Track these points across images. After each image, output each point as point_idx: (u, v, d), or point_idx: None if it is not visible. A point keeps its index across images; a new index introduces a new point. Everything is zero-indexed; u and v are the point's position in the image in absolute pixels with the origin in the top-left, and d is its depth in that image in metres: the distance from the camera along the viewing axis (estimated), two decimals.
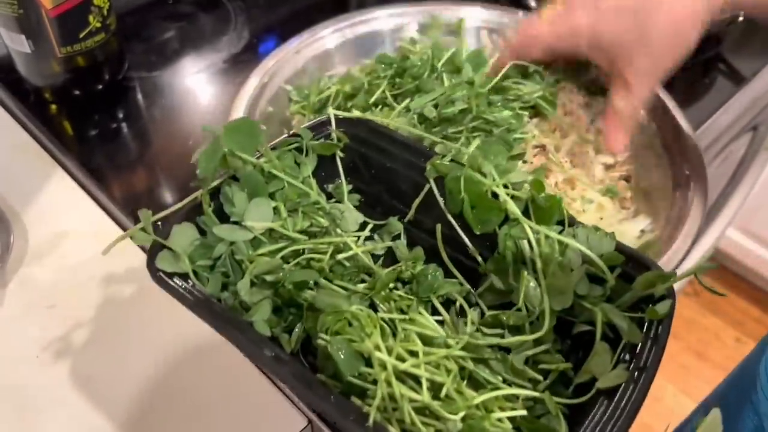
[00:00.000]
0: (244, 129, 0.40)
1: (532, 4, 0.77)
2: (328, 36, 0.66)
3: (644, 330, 0.37)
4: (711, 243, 0.53)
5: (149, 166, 0.60)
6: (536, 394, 0.37)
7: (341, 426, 0.33)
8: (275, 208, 0.43)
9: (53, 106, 0.63)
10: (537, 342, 0.39)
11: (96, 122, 0.63)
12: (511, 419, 0.36)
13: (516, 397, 0.37)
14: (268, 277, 0.40)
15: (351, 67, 0.66)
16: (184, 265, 0.39)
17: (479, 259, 0.44)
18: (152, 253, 0.39)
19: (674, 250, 0.50)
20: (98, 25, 0.58)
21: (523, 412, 0.36)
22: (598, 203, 0.55)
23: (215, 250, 0.41)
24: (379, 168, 0.49)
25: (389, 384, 0.35)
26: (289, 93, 0.61)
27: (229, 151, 0.40)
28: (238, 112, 0.57)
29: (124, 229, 0.53)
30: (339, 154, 0.49)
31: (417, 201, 0.47)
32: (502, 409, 0.36)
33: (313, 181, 0.46)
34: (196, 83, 0.69)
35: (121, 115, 0.64)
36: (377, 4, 0.69)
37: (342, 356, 0.37)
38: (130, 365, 0.45)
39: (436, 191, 0.45)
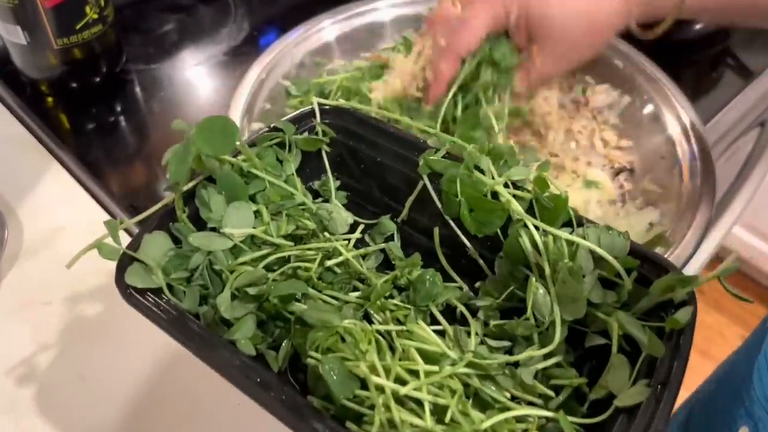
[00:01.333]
0: (217, 128, 0.36)
1: None
2: (328, 27, 0.65)
3: (664, 340, 0.34)
4: (718, 240, 0.51)
5: (147, 161, 0.59)
6: (549, 414, 0.34)
7: None
8: (256, 212, 0.40)
9: (50, 99, 0.63)
10: (547, 355, 0.36)
11: (93, 115, 0.62)
12: None
13: (527, 416, 0.34)
14: (251, 290, 0.37)
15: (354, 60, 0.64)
16: (157, 279, 0.36)
17: (480, 261, 0.41)
18: (121, 267, 0.35)
19: (683, 245, 0.47)
20: (95, 16, 0.58)
21: None
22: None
23: (191, 260, 0.37)
24: (368, 162, 0.45)
25: (388, 408, 0.32)
26: (288, 88, 0.59)
27: (203, 154, 0.36)
28: (237, 110, 0.56)
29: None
30: (325, 148, 0.45)
31: (411, 199, 0.43)
32: None
33: (298, 180, 0.42)
34: (195, 76, 0.68)
35: (118, 109, 0.63)
36: None
37: (335, 377, 0.33)
38: (125, 364, 0.44)
39: (431, 189, 0.42)
